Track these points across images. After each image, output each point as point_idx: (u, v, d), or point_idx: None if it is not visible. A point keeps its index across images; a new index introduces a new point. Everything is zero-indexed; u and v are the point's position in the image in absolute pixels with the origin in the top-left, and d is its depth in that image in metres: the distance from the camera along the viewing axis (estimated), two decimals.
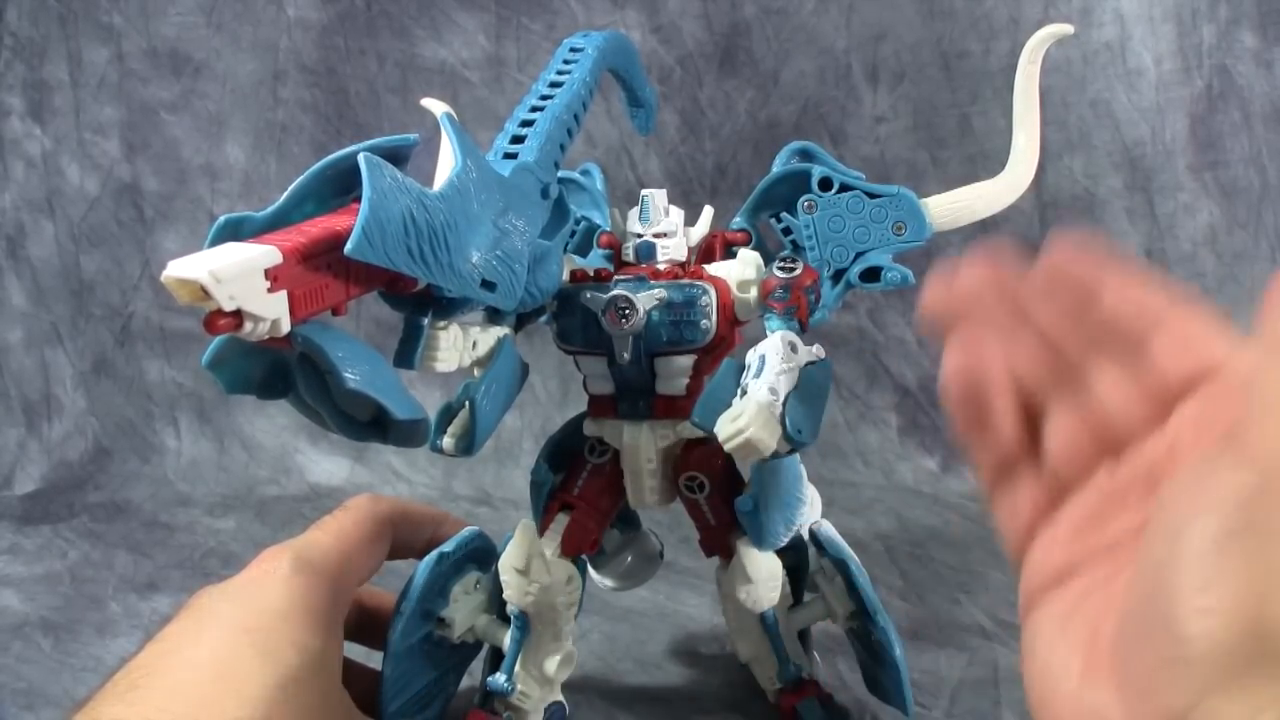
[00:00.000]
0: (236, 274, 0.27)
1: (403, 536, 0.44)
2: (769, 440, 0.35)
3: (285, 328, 0.29)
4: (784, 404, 0.36)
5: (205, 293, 0.26)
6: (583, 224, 0.48)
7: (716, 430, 0.35)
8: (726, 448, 0.35)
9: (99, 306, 0.96)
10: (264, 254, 0.28)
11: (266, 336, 0.28)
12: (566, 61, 0.42)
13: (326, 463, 0.90)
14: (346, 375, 0.30)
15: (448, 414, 0.39)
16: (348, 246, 0.29)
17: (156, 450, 0.93)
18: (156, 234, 0.96)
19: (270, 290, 0.28)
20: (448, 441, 0.38)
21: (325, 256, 0.30)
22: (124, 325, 0.96)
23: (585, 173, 0.50)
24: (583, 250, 0.47)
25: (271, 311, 0.28)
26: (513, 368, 0.40)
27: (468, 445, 0.38)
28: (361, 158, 0.29)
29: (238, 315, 0.27)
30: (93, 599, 0.66)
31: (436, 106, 0.46)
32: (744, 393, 0.36)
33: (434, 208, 0.31)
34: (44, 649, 0.58)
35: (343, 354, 0.30)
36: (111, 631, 0.61)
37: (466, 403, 0.38)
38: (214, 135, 0.96)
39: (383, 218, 0.29)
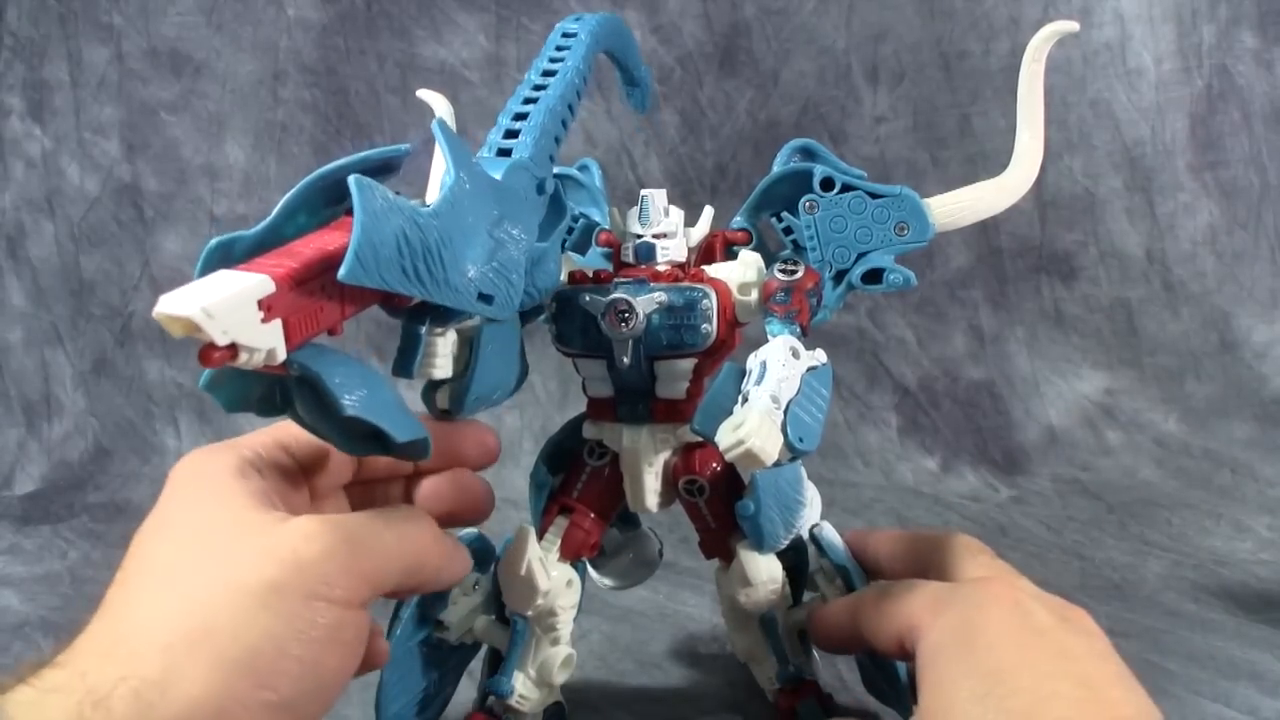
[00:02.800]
0: (229, 308, 0.26)
1: None
2: (771, 450, 0.34)
3: (281, 356, 0.28)
4: (785, 412, 0.35)
5: (198, 328, 0.26)
6: (581, 221, 0.47)
7: (718, 439, 0.34)
8: (728, 457, 0.34)
9: (99, 306, 0.96)
10: (256, 284, 0.27)
11: (262, 365, 0.28)
12: (559, 48, 0.41)
13: None
14: (344, 401, 0.30)
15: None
16: (341, 272, 0.28)
17: (156, 450, 0.93)
18: (156, 234, 0.96)
19: (264, 320, 0.27)
20: (440, 395, 0.38)
21: (319, 279, 0.29)
22: (124, 325, 0.96)
23: (583, 168, 0.49)
24: (581, 248, 0.46)
25: (266, 342, 0.27)
26: (517, 334, 0.40)
27: (459, 404, 0.38)
28: (351, 180, 0.28)
29: (233, 347, 0.26)
30: (93, 599, 0.64)
31: (434, 99, 0.46)
32: (745, 400, 0.35)
33: (427, 225, 0.30)
34: (44, 649, 0.58)
35: (340, 379, 0.30)
36: None
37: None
38: (214, 135, 0.96)
39: (375, 240, 0.28)
